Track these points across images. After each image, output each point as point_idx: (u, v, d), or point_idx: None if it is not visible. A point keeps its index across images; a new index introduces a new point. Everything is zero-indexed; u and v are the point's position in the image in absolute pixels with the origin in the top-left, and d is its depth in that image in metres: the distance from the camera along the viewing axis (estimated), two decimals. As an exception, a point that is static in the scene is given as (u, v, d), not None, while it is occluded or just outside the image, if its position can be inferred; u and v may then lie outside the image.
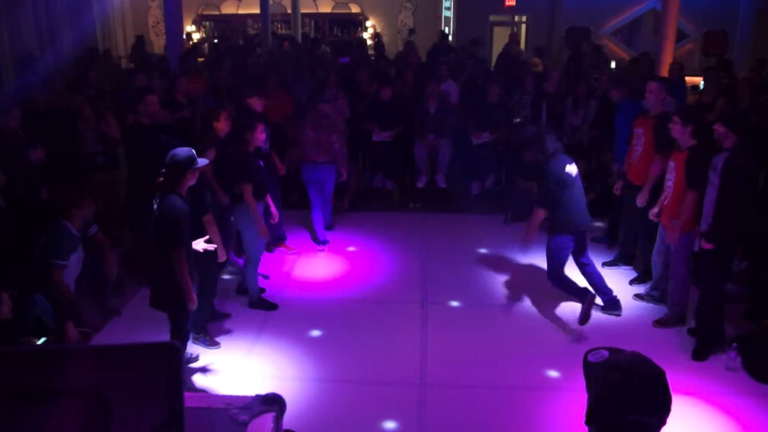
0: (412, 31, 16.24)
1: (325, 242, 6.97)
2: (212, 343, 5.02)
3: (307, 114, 6.79)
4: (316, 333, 5.27)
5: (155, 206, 4.12)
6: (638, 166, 5.84)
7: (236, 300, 5.81)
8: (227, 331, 5.26)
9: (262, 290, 5.85)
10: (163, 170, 4.11)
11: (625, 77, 8.49)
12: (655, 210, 5.38)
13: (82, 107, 6.52)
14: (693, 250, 5.07)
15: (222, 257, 4.94)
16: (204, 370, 4.75)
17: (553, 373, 4.69)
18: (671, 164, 5.18)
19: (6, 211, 5.32)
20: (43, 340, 4.69)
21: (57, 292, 4.97)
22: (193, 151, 4.19)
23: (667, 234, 5.16)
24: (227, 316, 5.48)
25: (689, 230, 5.03)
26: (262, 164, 5.58)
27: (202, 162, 4.24)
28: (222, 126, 5.55)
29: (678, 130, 5.02)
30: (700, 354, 4.84)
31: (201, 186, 4.66)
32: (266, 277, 6.13)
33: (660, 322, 5.35)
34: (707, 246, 4.65)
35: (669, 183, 5.18)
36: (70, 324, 4.87)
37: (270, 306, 5.69)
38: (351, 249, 6.98)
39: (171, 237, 4.04)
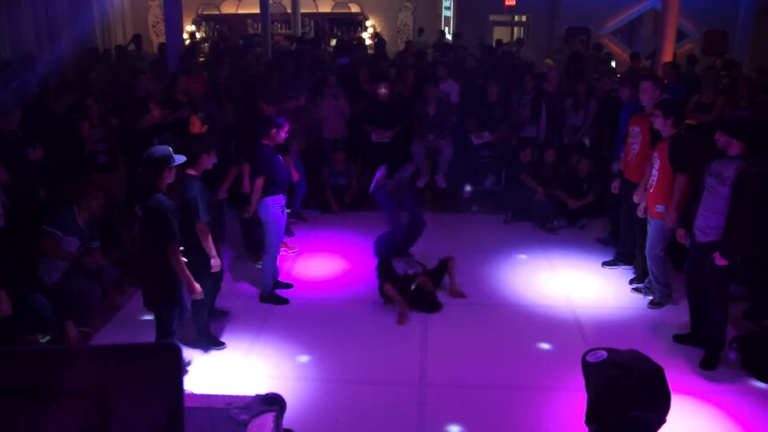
0: (421, 31, 16.09)
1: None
2: (216, 343, 5.03)
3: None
4: (316, 333, 5.26)
5: (140, 209, 4.22)
6: (635, 164, 5.87)
7: (236, 299, 5.82)
8: (227, 331, 5.26)
9: (290, 285, 6.03)
10: (140, 168, 4.22)
11: (635, 76, 8.46)
12: (642, 206, 5.56)
13: (91, 108, 6.53)
14: (684, 244, 5.07)
15: (215, 267, 4.78)
16: (204, 370, 4.74)
17: (553, 373, 4.68)
18: (655, 154, 5.32)
19: (10, 209, 5.34)
20: (47, 338, 4.69)
21: (46, 253, 5.06)
22: (170, 150, 4.24)
23: (666, 221, 5.23)
24: (226, 314, 5.47)
25: (681, 210, 5.09)
26: (281, 159, 5.75)
27: (179, 159, 4.29)
28: (195, 128, 5.78)
29: (659, 123, 5.16)
30: (709, 363, 4.71)
31: (195, 191, 4.61)
32: (290, 285, 6.08)
33: (654, 303, 5.59)
34: (723, 263, 4.44)
35: (654, 172, 5.31)
36: (70, 323, 4.87)
37: (281, 301, 5.75)
38: (351, 249, 6.98)
39: (162, 234, 4.13)
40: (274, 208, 5.60)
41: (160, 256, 4.18)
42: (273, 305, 5.71)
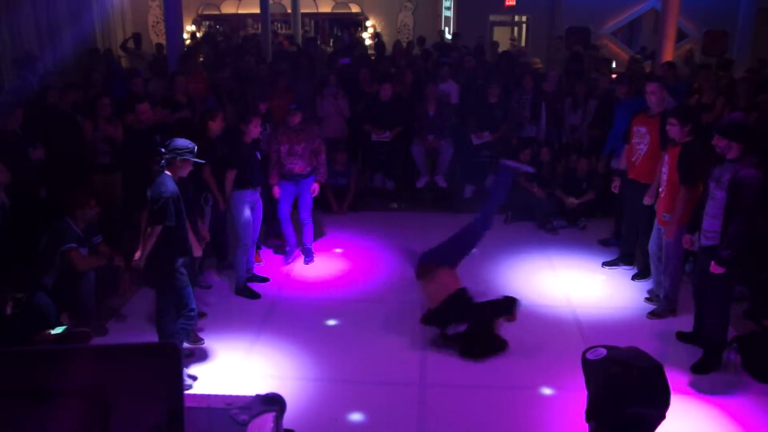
0: (421, 40, 15.45)
1: (291, 259, 6.59)
2: (196, 340, 5.03)
3: (278, 129, 6.36)
4: (316, 333, 5.27)
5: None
6: (643, 164, 5.81)
7: (236, 299, 5.82)
8: (228, 331, 5.26)
9: (266, 279, 6.05)
10: (162, 150, 4.41)
11: (631, 74, 8.46)
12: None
13: (104, 107, 6.53)
14: (692, 249, 5.06)
15: (196, 252, 4.92)
16: (204, 370, 4.74)
17: (553, 373, 4.68)
18: (665, 158, 5.28)
19: (9, 209, 5.33)
20: (60, 330, 4.66)
21: (81, 270, 5.08)
22: (193, 145, 4.43)
23: (665, 231, 5.24)
24: (203, 315, 5.44)
25: (683, 224, 5.07)
26: (259, 156, 5.90)
27: (199, 160, 4.48)
28: (216, 126, 5.80)
29: (677, 131, 5.09)
30: (702, 367, 4.67)
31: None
32: (266, 279, 6.15)
33: (654, 314, 5.48)
34: (718, 270, 4.42)
35: (664, 176, 5.29)
36: (65, 315, 4.87)
37: (253, 295, 5.83)
38: (351, 249, 6.98)
39: (155, 213, 4.26)
40: (240, 203, 5.71)
41: (162, 237, 4.32)
42: (274, 305, 5.73)
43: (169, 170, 4.36)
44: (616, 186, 6.25)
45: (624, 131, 6.20)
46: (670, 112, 5.34)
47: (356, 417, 4.24)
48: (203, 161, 4.65)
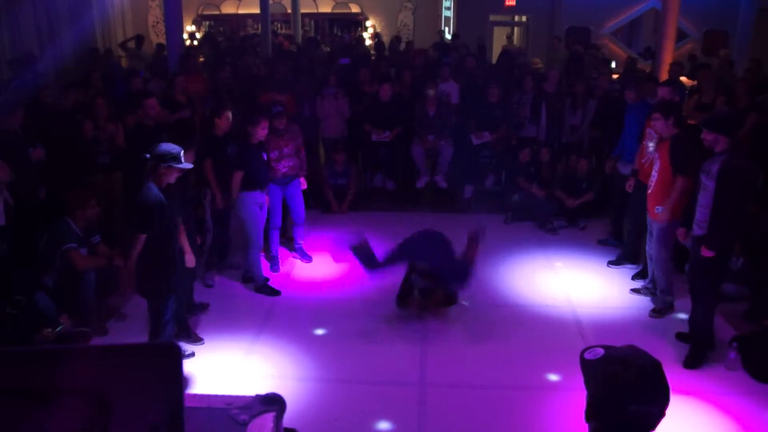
0: (398, 39, 15.25)
1: (275, 269, 6.39)
2: (196, 339, 5.03)
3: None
4: (316, 333, 5.28)
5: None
6: (652, 167, 5.82)
7: (237, 300, 5.82)
8: (228, 331, 5.26)
9: (267, 279, 6.01)
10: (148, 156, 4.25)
11: (640, 78, 8.45)
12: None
13: (100, 107, 6.52)
14: (685, 245, 5.09)
15: (190, 263, 4.83)
16: (204, 370, 4.74)
17: (553, 373, 4.69)
18: (656, 154, 5.38)
19: (13, 208, 5.34)
20: (59, 328, 4.67)
21: (81, 270, 5.06)
22: (178, 151, 4.22)
23: (657, 218, 5.29)
24: (205, 307, 5.49)
25: (674, 218, 5.13)
26: (264, 156, 5.87)
27: (185, 165, 4.27)
28: (223, 124, 5.80)
29: (661, 125, 5.20)
30: (692, 361, 4.73)
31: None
32: (267, 279, 6.13)
33: (655, 312, 5.51)
34: (708, 254, 4.53)
35: (654, 172, 5.35)
36: (64, 316, 4.86)
37: (273, 292, 5.84)
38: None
39: (138, 222, 4.21)
40: (249, 204, 5.71)
41: (148, 246, 4.25)
42: (274, 305, 5.73)
43: (152, 178, 4.19)
44: (630, 185, 6.23)
45: (639, 133, 6.20)
46: (652, 109, 5.44)
47: (356, 417, 4.23)
48: (190, 166, 4.43)
